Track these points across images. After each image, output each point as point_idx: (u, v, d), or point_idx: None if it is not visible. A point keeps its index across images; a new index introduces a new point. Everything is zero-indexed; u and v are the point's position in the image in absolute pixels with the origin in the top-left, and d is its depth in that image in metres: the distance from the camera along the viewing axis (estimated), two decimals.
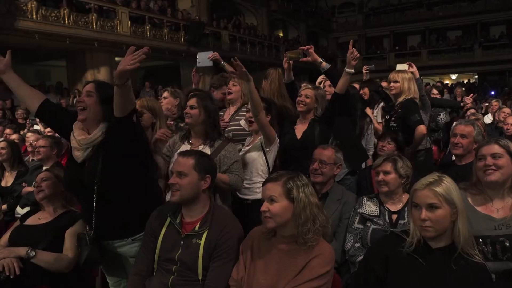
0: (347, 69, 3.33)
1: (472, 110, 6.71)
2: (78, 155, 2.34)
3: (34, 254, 2.53)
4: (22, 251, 2.54)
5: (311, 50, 3.52)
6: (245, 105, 3.50)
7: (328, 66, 3.57)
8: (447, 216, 1.81)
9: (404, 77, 4.11)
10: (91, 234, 2.35)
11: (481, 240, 2.07)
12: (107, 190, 2.31)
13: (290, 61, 3.73)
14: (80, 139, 2.33)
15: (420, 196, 1.84)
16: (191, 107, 2.84)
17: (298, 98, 3.45)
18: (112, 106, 2.19)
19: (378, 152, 3.51)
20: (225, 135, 3.19)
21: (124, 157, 2.31)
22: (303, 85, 3.63)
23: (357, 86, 5.10)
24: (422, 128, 3.91)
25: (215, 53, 3.98)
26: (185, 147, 2.87)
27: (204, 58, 3.93)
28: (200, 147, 2.79)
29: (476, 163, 2.23)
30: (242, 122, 3.48)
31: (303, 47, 3.58)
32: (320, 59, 3.56)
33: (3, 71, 2.41)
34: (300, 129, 3.44)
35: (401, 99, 4.08)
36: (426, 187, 1.84)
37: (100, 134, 2.32)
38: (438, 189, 1.81)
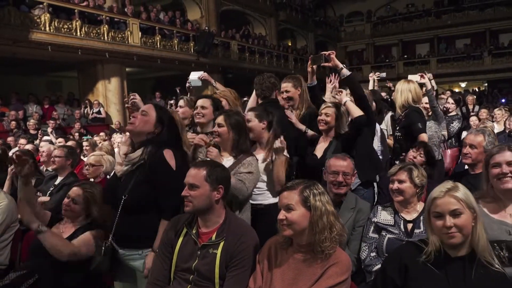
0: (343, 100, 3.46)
1: (474, 117, 6.78)
2: (118, 169, 2.60)
3: (45, 229, 2.53)
4: (35, 224, 2.50)
5: (333, 56, 3.52)
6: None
7: (349, 73, 3.53)
8: (470, 221, 1.79)
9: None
10: (107, 245, 2.48)
11: (496, 245, 2.05)
12: (132, 204, 2.47)
13: (314, 66, 3.74)
14: (123, 157, 2.59)
15: (442, 204, 1.80)
16: (219, 125, 2.90)
17: (319, 117, 3.51)
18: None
19: (407, 161, 3.42)
20: None
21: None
22: (323, 105, 3.61)
23: None
24: (423, 137, 3.96)
25: (205, 73, 4.17)
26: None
27: (194, 79, 4.13)
28: (227, 159, 2.86)
29: (490, 171, 2.21)
30: None
31: (324, 52, 3.57)
32: (341, 65, 3.52)
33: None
34: (321, 148, 3.50)
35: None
36: (446, 194, 1.80)
37: (138, 155, 2.49)
38: (459, 195, 1.79)
